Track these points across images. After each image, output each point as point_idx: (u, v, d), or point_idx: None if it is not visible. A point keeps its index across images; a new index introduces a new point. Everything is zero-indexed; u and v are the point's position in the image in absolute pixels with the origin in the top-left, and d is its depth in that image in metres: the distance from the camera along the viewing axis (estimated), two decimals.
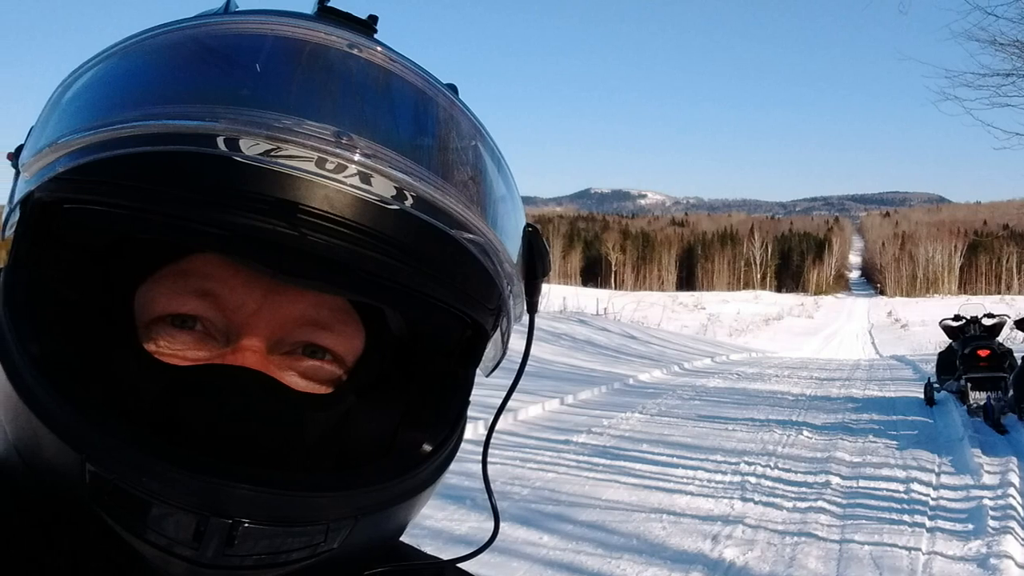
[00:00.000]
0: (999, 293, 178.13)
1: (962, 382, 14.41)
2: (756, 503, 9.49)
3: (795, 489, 9.85)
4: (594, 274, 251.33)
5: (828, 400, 16.41)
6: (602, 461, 10.73)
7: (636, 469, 10.35)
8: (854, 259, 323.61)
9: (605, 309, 39.72)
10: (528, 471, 10.14)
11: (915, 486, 9.77)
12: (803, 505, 9.43)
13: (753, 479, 9.91)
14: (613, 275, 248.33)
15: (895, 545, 8.80)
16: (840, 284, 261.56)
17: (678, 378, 19.61)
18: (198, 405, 1.04)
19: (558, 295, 47.66)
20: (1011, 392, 12.98)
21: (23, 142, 1.19)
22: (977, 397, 13.80)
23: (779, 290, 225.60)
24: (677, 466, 10.50)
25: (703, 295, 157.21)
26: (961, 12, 22.90)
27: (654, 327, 40.74)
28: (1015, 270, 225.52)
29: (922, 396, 16.07)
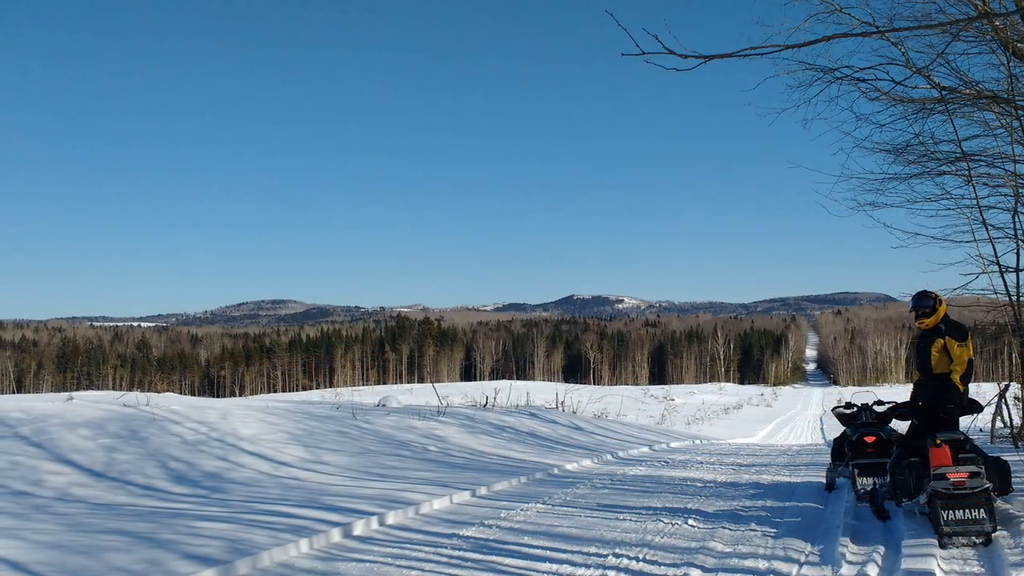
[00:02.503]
0: None
1: (851, 468, 14.14)
2: None
3: None
4: (575, 371, 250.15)
5: (734, 487, 15.94)
6: (476, 556, 10.41)
7: (503, 563, 10.05)
8: (810, 353, 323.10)
9: (562, 403, 38.83)
10: (394, 569, 9.78)
11: None
12: None
13: (613, 573, 9.60)
14: (592, 371, 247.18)
15: None
16: (797, 375, 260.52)
17: (605, 467, 18.72)
18: None
19: (521, 390, 46.60)
20: (888, 478, 12.58)
21: None
22: (864, 483, 13.67)
23: (742, 382, 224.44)
24: (545, 560, 10.20)
25: (672, 388, 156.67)
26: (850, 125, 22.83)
27: (613, 418, 39.83)
28: None
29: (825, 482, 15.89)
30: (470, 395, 44.05)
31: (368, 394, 69.71)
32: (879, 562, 9.77)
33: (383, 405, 31.37)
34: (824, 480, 15.92)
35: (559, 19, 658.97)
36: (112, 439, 16.02)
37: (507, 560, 10.19)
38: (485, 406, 32.91)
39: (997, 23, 14.68)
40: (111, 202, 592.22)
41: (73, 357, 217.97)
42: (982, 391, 22.98)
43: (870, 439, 14.31)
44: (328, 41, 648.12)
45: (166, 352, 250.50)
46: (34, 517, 11.33)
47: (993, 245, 18.96)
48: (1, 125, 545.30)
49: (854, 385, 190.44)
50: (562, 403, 38.56)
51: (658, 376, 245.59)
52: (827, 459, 16.65)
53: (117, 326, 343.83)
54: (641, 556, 10.30)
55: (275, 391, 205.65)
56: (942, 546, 10.28)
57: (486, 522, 12.38)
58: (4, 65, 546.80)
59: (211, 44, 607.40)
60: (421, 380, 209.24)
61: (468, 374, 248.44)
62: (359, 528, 11.63)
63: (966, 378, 12.14)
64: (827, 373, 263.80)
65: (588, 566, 9.83)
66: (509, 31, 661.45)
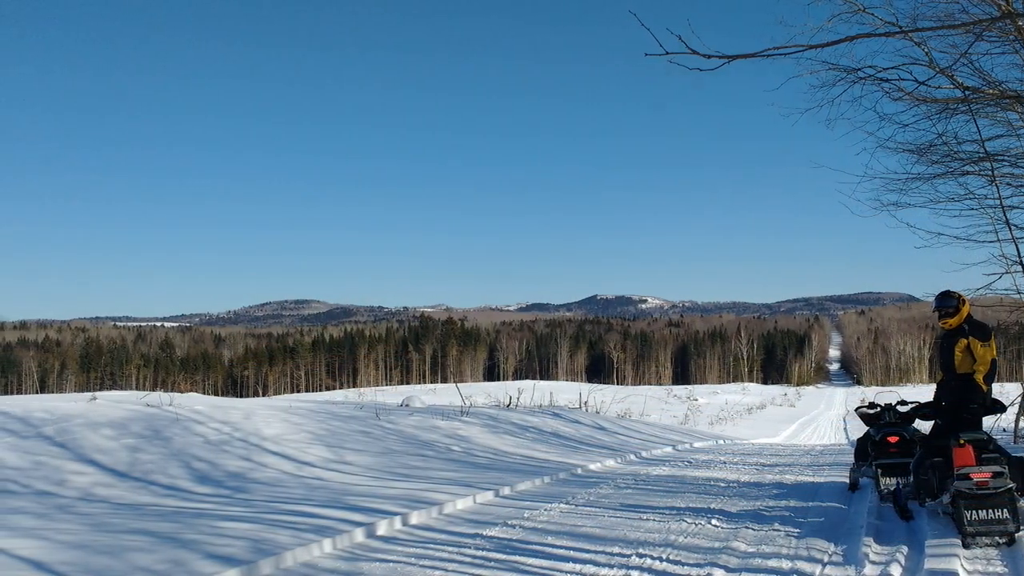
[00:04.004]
0: None
1: (874, 468, 13.99)
2: None
3: None
4: (598, 371, 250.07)
5: (757, 487, 15.79)
6: (500, 556, 10.40)
7: (527, 564, 10.02)
8: (833, 353, 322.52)
9: (586, 403, 38.69)
10: (417, 569, 9.77)
11: None
12: None
13: (636, 573, 9.57)
14: (615, 371, 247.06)
15: None
16: (820, 375, 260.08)
17: (628, 467, 18.33)
18: None
19: (544, 391, 46.45)
20: (911, 478, 12.53)
21: None
22: (887, 483, 13.51)
23: (765, 382, 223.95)
24: (568, 560, 10.17)
25: (695, 388, 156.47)
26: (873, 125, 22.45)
27: (636, 418, 39.69)
28: None
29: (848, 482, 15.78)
30: (493, 395, 44.05)
31: (391, 394, 69.86)
32: (902, 562, 9.73)
33: (406, 405, 31.42)
34: (847, 480, 15.83)
35: (577, 19, 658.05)
36: (135, 439, 16.07)
37: (531, 560, 10.20)
38: (508, 406, 32.90)
39: (1020, 23, 14.56)
40: (133, 201, 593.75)
41: (96, 357, 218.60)
42: (1005, 391, 22.89)
43: (893, 439, 14.19)
44: (341, 41, 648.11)
45: (189, 352, 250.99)
46: (57, 517, 11.38)
47: (1016, 245, 18.83)
48: (25, 125, 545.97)
49: (877, 385, 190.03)
50: (585, 403, 38.45)
51: (681, 376, 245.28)
52: (850, 459, 16.57)
53: (140, 326, 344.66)
54: (664, 556, 10.29)
55: (298, 391, 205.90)
56: (965, 546, 10.25)
57: (509, 522, 12.38)
58: (25, 66, 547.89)
59: (232, 46, 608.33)
60: (444, 380, 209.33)
61: (491, 374, 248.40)
62: (382, 528, 11.65)
63: (989, 378, 12.12)
64: (850, 373, 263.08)
65: (612, 566, 9.83)
66: (520, 30, 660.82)
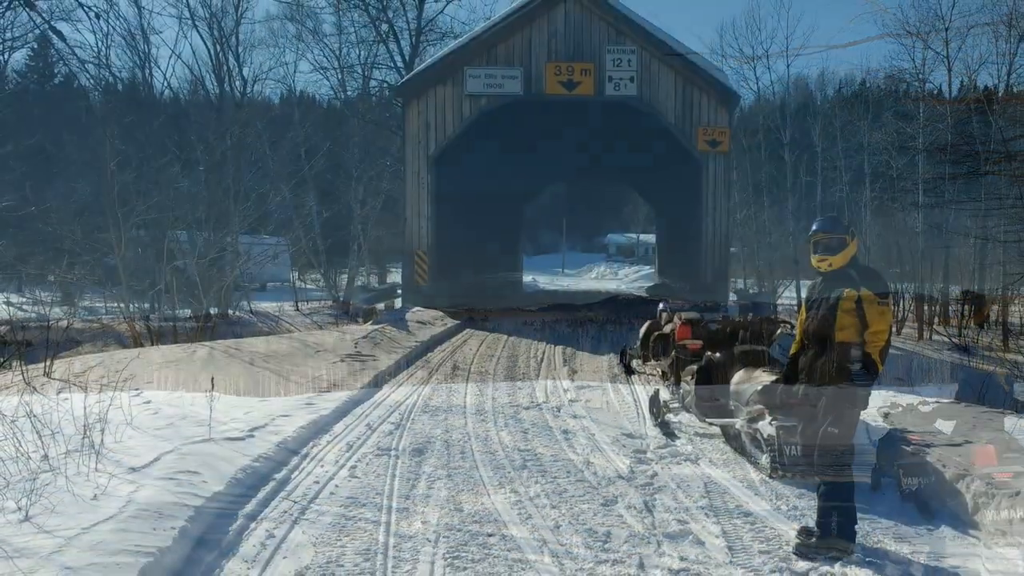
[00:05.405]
0: None
1: (895, 468, 14.14)
2: None
3: None
4: (619, 370, 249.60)
5: (778, 485, 15.38)
6: (516, 556, 10.54)
7: (543, 562, 10.25)
8: (855, 353, 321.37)
9: (607, 402, 38.44)
10: (437, 569, 10.05)
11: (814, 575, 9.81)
12: None
13: (657, 572, 9.83)
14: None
15: None
16: (843, 375, 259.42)
17: (650, 466, 16.51)
18: None
19: (566, 390, 46.36)
20: (932, 477, 12.76)
21: None
22: (908, 483, 13.58)
23: (786, 381, 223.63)
24: (587, 560, 10.34)
25: (717, 387, 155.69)
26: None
27: (656, 415, 39.39)
28: None
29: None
30: (516, 395, 43.94)
31: (413, 394, 69.73)
32: (923, 561, 9.91)
33: (428, 404, 31.38)
34: (869, 480, 15.68)
35: None
36: (155, 439, 16.11)
37: (549, 560, 10.28)
38: (531, 406, 32.84)
39: None
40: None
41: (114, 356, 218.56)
42: None
43: (914, 438, 14.28)
44: None
45: (212, 350, 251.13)
46: (77, 516, 11.41)
47: None
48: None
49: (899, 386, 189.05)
50: (607, 402, 38.28)
51: (704, 376, 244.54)
52: (871, 459, 16.63)
53: (160, 325, 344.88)
54: (681, 554, 10.45)
55: (320, 390, 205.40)
56: (987, 546, 10.30)
57: (531, 521, 12.42)
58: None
59: None
60: (467, 379, 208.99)
61: (513, 374, 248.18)
62: (404, 528, 11.69)
63: (1010, 379, 12.24)
64: (869, 373, 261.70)
65: (631, 565, 9.99)
66: None
